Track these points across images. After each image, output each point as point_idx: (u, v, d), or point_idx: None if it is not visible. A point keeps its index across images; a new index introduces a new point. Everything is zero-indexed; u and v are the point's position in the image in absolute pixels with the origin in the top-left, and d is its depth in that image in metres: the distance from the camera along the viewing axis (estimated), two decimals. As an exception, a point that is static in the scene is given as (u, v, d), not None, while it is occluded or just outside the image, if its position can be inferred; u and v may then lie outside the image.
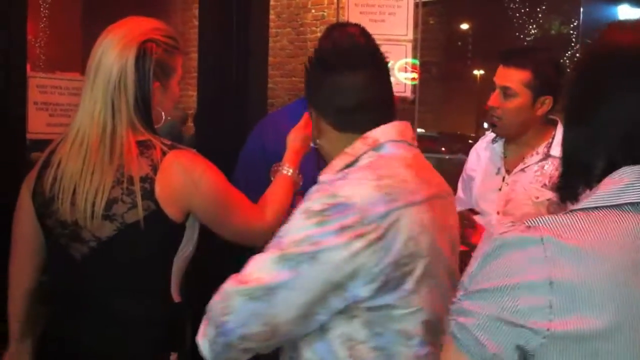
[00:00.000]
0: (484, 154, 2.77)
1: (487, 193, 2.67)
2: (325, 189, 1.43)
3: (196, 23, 3.57)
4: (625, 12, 10.92)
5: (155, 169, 1.71)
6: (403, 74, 4.18)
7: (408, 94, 4.27)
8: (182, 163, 1.74)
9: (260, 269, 1.39)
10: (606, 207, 0.97)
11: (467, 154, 2.95)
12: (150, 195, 1.70)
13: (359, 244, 1.37)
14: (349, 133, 1.55)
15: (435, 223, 1.50)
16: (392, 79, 4.30)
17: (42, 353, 1.87)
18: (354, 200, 1.39)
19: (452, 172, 2.85)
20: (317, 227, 1.38)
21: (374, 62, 1.58)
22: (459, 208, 2.84)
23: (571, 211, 0.99)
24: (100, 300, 1.75)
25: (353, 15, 4.07)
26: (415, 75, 4.32)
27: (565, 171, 1.09)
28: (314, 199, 1.43)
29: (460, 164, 2.97)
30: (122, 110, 1.73)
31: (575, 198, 1.05)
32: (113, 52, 1.73)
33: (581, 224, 0.96)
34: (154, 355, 1.76)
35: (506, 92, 2.50)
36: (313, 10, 9.43)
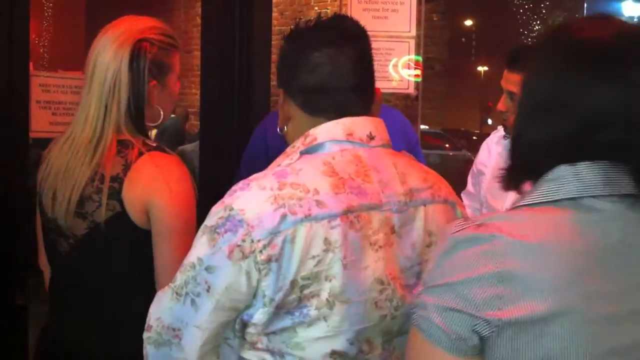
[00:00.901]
0: (495, 148, 2.77)
1: (497, 189, 2.66)
2: (225, 200, 1.36)
3: (199, 21, 3.57)
4: (629, 8, 10.90)
5: (126, 168, 1.68)
6: (406, 71, 4.17)
7: (411, 90, 4.27)
8: (156, 164, 1.69)
9: (161, 308, 1.39)
10: (547, 202, 1.05)
11: (471, 150, 2.96)
12: (117, 195, 1.67)
13: (250, 266, 1.29)
14: (316, 117, 1.44)
15: (358, 240, 1.34)
16: (396, 76, 4.35)
17: (42, 347, 1.89)
18: (245, 215, 1.30)
19: (456, 169, 2.85)
20: (209, 248, 1.32)
21: (353, 45, 1.46)
22: (468, 202, 2.86)
23: (517, 207, 1.07)
24: (86, 295, 1.75)
25: (356, 12, 4.06)
26: (419, 72, 4.32)
27: (512, 166, 1.14)
28: (213, 212, 1.36)
29: (465, 161, 2.98)
30: (112, 112, 1.72)
31: (519, 189, 1.13)
32: (108, 52, 1.73)
33: (526, 219, 1.04)
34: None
35: (512, 97, 2.50)
36: (316, 8, 9.43)
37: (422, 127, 12.96)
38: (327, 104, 1.44)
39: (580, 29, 1.08)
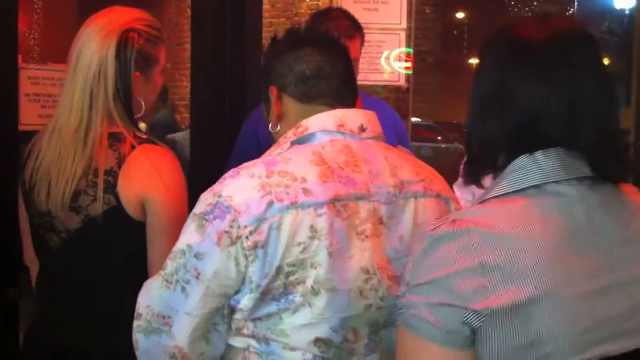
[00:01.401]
0: None
1: (489, 180, 2.66)
2: (214, 187, 1.39)
3: (190, 13, 3.55)
4: (620, 0, 10.90)
5: (120, 162, 1.68)
6: (397, 63, 4.17)
7: (402, 82, 4.27)
8: (149, 158, 1.69)
9: (151, 296, 1.41)
10: (513, 192, 1.10)
11: (463, 142, 2.96)
12: (112, 189, 1.67)
13: (237, 252, 1.32)
14: (313, 104, 1.48)
15: (345, 229, 1.36)
16: (388, 68, 4.35)
17: (29, 344, 1.87)
18: (232, 201, 1.33)
19: (448, 161, 2.86)
20: (198, 235, 1.35)
21: (340, 47, 1.56)
22: (460, 194, 2.86)
23: (486, 200, 1.12)
24: (79, 290, 1.74)
25: (347, 4, 4.04)
26: (409, 64, 4.32)
27: (470, 161, 1.20)
28: (202, 199, 1.39)
29: (457, 153, 2.98)
30: (99, 101, 1.70)
31: (478, 182, 1.19)
32: (94, 42, 1.71)
33: (496, 210, 1.09)
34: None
35: None
36: (307, 0, 9.39)
37: (415, 119, 13.00)
38: (325, 88, 1.49)
39: (520, 30, 1.16)
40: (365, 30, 2.65)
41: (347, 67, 1.54)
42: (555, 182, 1.09)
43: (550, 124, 1.10)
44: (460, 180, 2.87)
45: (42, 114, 2.73)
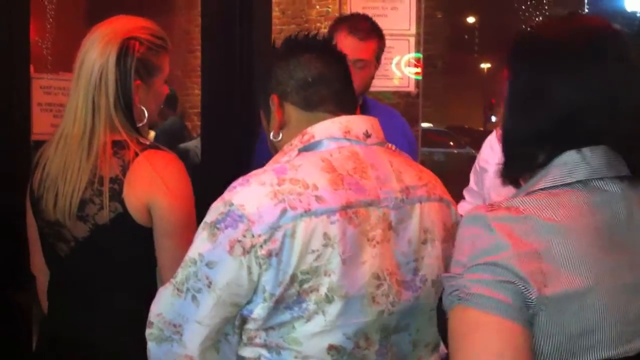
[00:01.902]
0: (497, 145, 2.77)
1: (500, 186, 2.65)
2: (224, 196, 1.38)
3: (200, 21, 3.57)
4: (631, 3, 10.86)
5: (125, 170, 1.69)
6: (407, 69, 4.17)
7: (412, 88, 4.27)
8: (153, 164, 1.70)
9: (162, 304, 1.41)
10: (560, 185, 1.13)
11: (475, 147, 2.95)
12: (118, 197, 1.68)
13: (251, 261, 1.31)
14: (316, 111, 1.48)
15: (357, 235, 1.36)
16: (398, 74, 4.34)
17: (39, 350, 1.89)
18: (245, 210, 1.32)
19: (461, 166, 2.85)
20: (210, 243, 1.34)
21: (339, 54, 1.55)
22: (470, 199, 2.87)
23: (533, 192, 1.14)
24: (87, 297, 1.76)
25: (356, 10, 4.05)
26: (419, 69, 4.32)
27: (508, 160, 1.23)
28: (213, 208, 1.38)
29: (469, 158, 2.97)
30: (101, 109, 1.71)
31: (517, 184, 1.21)
32: (96, 50, 1.72)
33: (546, 201, 1.11)
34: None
35: None
36: (317, 7, 9.43)
37: (427, 125, 12.99)
38: (327, 94, 1.48)
39: (549, 31, 1.21)
40: (375, 37, 2.66)
41: (346, 73, 1.54)
42: (600, 178, 1.13)
43: (595, 118, 1.13)
44: (470, 185, 2.86)
45: (54, 124, 2.75)
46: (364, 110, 2.53)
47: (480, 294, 1.04)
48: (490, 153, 2.79)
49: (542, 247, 1.05)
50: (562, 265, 1.04)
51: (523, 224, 1.07)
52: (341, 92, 1.50)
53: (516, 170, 1.21)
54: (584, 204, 1.10)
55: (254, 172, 1.41)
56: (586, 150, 1.13)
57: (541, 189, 1.13)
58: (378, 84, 4.18)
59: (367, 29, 2.53)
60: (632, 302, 1.08)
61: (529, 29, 1.26)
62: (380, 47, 2.59)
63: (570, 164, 1.13)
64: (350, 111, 1.50)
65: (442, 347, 1.57)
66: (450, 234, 1.51)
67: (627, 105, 1.14)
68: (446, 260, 1.50)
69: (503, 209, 1.09)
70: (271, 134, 1.53)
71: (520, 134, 1.19)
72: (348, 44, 2.35)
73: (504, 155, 1.23)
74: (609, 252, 1.08)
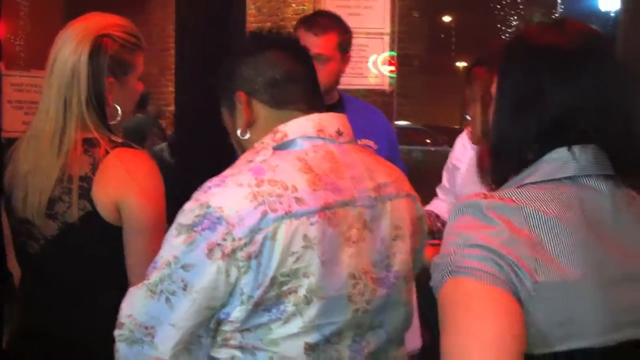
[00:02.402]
0: (470, 144, 2.78)
1: (472, 184, 2.67)
2: (199, 197, 1.33)
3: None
4: (605, 3, 10.98)
5: (95, 168, 1.67)
6: (383, 67, 4.19)
7: (386, 86, 4.28)
8: (123, 162, 1.68)
9: (134, 305, 1.37)
10: (550, 180, 1.15)
11: (451, 145, 2.95)
12: (87, 195, 1.66)
13: (230, 265, 1.28)
14: (285, 110, 1.45)
15: (335, 236, 1.35)
16: (375, 72, 4.36)
17: (14, 348, 1.87)
18: (224, 212, 1.29)
19: (438, 164, 2.86)
20: (185, 246, 1.30)
21: (305, 52, 1.53)
22: (443, 197, 2.89)
23: (523, 185, 1.16)
24: (58, 295, 1.74)
25: (330, 9, 4.02)
26: (393, 68, 4.34)
27: (496, 159, 1.24)
28: (187, 209, 1.33)
29: (446, 156, 2.98)
30: (73, 106, 1.70)
31: (504, 182, 1.22)
32: (68, 47, 1.71)
33: (536, 194, 1.13)
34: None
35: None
36: (293, 5, 9.43)
37: (404, 123, 13.03)
38: (296, 92, 1.46)
39: (542, 36, 1.22)
40: (348, 35, 2.65)
41: (312, 70, 1.52)
42: (588, 175, 1.16)
43: (586, 119, 1.16)
44: (442, 183, 2.88)
45: (25, 121, 2.72)
46: (340, 106, 2.52)
47: (472, 267, 1.05)
48: (463, 151, 2.80)
49: (534, 236, 1.08)
50: (553, 255, 1.07)
51: (517, 214, 1.09)
52: (310, 90, 1.49)
53: (507, 170, 1.23)
54: (573, 199, 1.14)
55: (227, 171, 1.38)
56: (576, 148, 1.16)
57: (531, 183, 1.16)
58: (354, 82, 4.19)
59: (324, 23, 2.49)
60: (617, 295, 1.11)
61: (519, 34, 1.28)
62: (345, 41, 2.54)
63: (560, 161, 1.16)
64: (320, 109, 1.48)
65: (407, 341, 1.59)
66: (415, 228, 1.52)
67: (616, 106, 1.17)
68: (413, 253, 1.52)
69: (497, 198, 1.12)
70: (237, 131, 1.50)
71: (512, 135, 1.21)
72: (306, 40, 2.32)
73: (494, 155, 1.25)
74: (597, 246, 1.11)
